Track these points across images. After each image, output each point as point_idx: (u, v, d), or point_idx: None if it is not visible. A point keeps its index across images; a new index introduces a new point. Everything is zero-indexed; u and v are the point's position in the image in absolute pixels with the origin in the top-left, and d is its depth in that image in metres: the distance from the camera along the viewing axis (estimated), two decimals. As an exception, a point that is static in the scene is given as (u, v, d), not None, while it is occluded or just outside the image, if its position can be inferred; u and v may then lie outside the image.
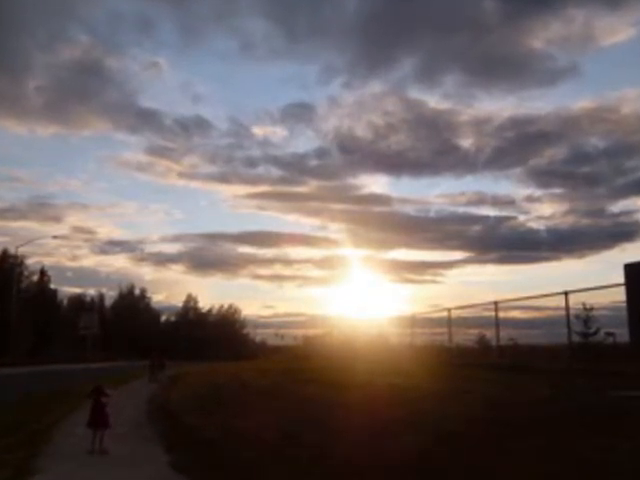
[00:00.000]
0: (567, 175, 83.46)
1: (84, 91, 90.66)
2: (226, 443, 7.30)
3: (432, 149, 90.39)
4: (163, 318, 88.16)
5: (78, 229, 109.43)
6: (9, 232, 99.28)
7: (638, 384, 9.89)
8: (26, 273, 63.79)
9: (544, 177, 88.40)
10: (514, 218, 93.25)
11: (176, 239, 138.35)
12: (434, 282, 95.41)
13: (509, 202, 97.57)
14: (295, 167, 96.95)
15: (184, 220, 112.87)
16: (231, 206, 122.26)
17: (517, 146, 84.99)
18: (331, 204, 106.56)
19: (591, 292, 14.22)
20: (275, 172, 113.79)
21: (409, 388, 10.65)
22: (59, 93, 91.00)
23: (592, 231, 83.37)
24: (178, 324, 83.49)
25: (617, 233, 78.61)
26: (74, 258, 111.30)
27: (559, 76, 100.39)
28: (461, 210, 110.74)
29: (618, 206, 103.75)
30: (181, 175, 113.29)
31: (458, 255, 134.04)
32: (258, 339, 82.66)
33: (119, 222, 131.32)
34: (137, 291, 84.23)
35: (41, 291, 66.42)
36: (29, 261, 64.84)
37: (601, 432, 6.17)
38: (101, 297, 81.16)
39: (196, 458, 6.94)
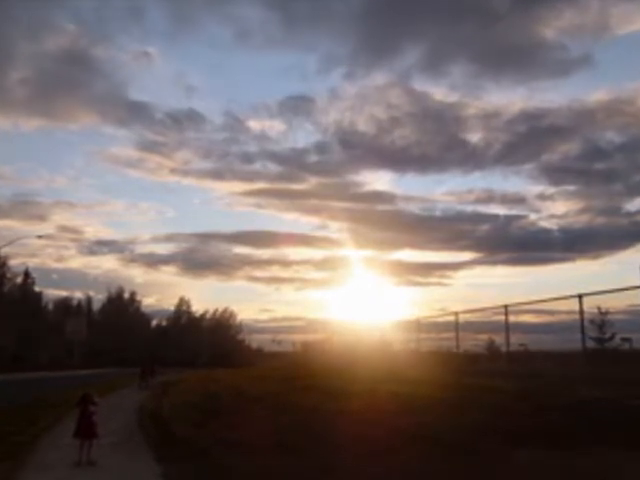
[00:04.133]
0: (581, 171, 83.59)
1: (70, 82, 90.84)
2: (221, 454, 7.35)
3: (438, 144, 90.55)
4: (154, 323, 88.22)
5: (64, 228, 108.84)
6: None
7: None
8: (9, 275, 63.74)
9: (557, 174, 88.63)
10: (525, 217, 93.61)
11: (168, 239, 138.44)
12: (440, 284, 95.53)
13: (520, 200, 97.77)
14: (294, 163, 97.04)
15: (176, 219, 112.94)
16: (226, 204, 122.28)
17: (528, 141, 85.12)
18: (331, 202, 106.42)
19: (606, 295, 14.24)
20: (273, 168, 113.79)
21: (412, 397, 10.70)
22: (44, 84, 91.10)
23: (607, 230, 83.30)
24: (170, 329, 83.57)
25: (634, 233, 78.39)
26: (60, 259, 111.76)
27: (572, 67, 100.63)
28: (469, 208, 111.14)
29: (635, 204, 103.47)
30: (173, 171, 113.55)
31: (466, 256, 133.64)
32: (254, 345, 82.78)
33: (107, 221, 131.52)
34: (126, 294, 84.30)
35: (25, 294, 66.51)
36: (12, 262, 64.87)
37: (614, 443, 6.22)
38: (89, 300, 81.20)
39: (189, 470, 6.99)
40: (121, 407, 15.27)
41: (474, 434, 6.82)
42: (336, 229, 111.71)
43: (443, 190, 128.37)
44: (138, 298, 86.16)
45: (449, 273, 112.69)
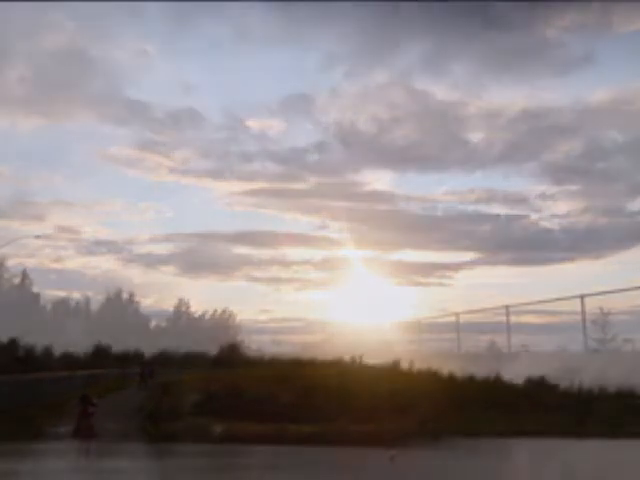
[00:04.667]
0: (583, 171, 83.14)
1: (68, 81, 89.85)
2: (221, 453, 7.35)
3: (439, 143, 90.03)
4: (153, 323, 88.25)
5: (62, 228, 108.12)
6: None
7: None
8: (6, 276, 63.70)
9: (559, 173, 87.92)
10: (527, 217, 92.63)
11: (167, 239, 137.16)
12: (441, 285, 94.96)
13: (521, 200, 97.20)
14: (294, 162, 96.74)
15: (175, 219, 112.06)
16: (226, 204, 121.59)
17: (530, 140, 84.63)
18: (332, 202, 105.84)
19: (609, 295, 14.29)
20: (272, 168, 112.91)
21: (413, 396, 10.70)
22: (41, 83, 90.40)
23: (610, 230, 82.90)
24: (169, 330, 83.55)
25: (636, 233, 78.12)
26: (58, 259, 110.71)
27: (574, 66, 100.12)
28: (470, 208, 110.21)
29: (637, 204, 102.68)
30: (172, 171, 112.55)
31: (467, 256, 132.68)
32: (254, 345, 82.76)
33: (106, 221, 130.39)
34: (125, 295, 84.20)
35: (23, 295, 66.37)
36: (9, 263, 64.70)
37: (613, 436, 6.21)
38: (87, 301, 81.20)
39: (189, 469, 6.99)
40: (121, 407, 15.24)
41: (474, 432, 6.83)
42: (336, 229, 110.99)
43: (444, 190, 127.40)
44: (137, 299, 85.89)
45: (450, 273, 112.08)
